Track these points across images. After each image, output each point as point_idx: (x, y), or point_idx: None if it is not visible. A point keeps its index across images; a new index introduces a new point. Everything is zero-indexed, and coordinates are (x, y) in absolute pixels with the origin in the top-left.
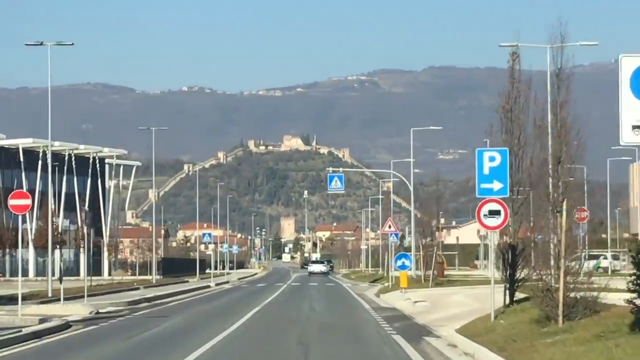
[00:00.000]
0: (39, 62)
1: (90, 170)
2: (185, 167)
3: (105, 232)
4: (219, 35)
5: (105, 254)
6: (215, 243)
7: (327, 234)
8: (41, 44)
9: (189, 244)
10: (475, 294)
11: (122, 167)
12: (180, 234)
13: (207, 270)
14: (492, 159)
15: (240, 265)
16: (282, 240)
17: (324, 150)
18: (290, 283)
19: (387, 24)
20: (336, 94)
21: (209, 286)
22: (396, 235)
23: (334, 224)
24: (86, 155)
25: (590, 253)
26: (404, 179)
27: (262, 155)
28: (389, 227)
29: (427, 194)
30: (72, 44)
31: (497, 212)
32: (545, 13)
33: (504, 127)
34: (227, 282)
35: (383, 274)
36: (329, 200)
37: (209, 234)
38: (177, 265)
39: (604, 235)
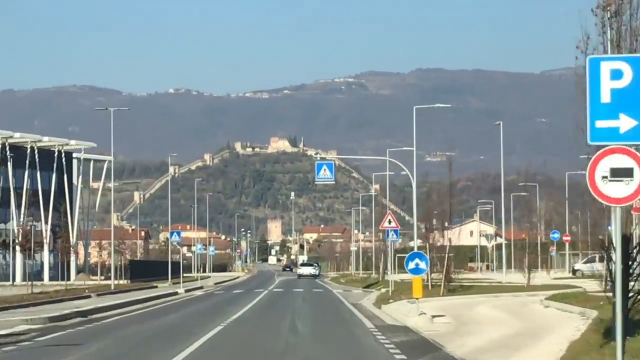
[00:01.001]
0: (24, 65)
1: (55, 165)
2: (171, 169)
3: (72, 233)
4: (206, 38)
5: (73, 257)
6: (191, 245)
7: (315, 235)
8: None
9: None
10: (504, 305)
11: (92, 162)
12: (162, 236)
13: (186, 274)
14: (616, 74)
15: (223, 268)
16: (269, 242)
17: (311, 152)
18: (272, 289)
19: (375, 27)
20: (323, 96)
21: (176, 293)
22: (396, 232)
23: (322, 226)
24: (51, 149)
25: None
26: (404, 167)
27: (249, 157)
28: (389, 222)
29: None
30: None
31: (628, 172)
32: (535, 12)
33: (606, 38)
34: (200, 288)
35: (377, 278)
36: (316, 203)
37: (178, 233)
38: (149, 269)
39: None
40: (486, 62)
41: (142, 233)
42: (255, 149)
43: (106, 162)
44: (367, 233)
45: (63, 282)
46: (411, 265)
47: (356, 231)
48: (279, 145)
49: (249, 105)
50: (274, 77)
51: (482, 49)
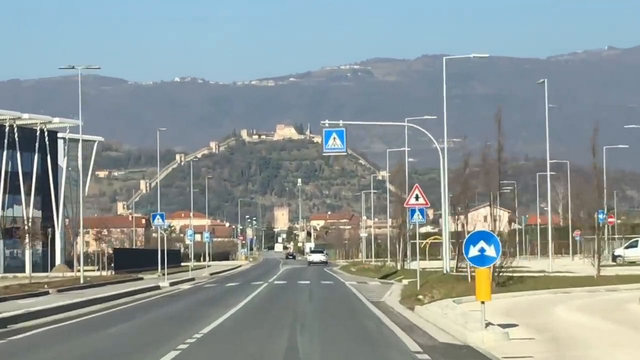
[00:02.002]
0: (30, 54)
1: (37, 144)
2: (177, 157)
3: (58, 221)
4: (211, 26)
5: (58, 246)
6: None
7: (322, 223)
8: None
9: (173, 234)
10: (589, 306)
11: (80, 142)
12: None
13: (184, 263)
14: None
15: (226, 256)
16: (275, 230)
17: (317, 139)
18: (274, 281)
19: (380, 13)
20: (329, 84)
21: (158, 287)
22: (422, 211)
23: (329, 213)
24: (33, 127)
25: None
26: (427, 133)
27: (255, 145)
28: (416, 197)
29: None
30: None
31: None
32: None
33: None
34: (190, 280)
35: (393, 267)
36: (323, 190)
37: (162, 216)
38: (138, 258)
39: None
40: (492, 48)
41: (143, 221)
42: (262, 136)
43: (95, 143)
44: (377, 219)
45: (45, 274)
46: (473, 251)
47: (365, 217)
48: (285, 132)
49: (255, 94)
50: (279, 65)
51: (488, 35)
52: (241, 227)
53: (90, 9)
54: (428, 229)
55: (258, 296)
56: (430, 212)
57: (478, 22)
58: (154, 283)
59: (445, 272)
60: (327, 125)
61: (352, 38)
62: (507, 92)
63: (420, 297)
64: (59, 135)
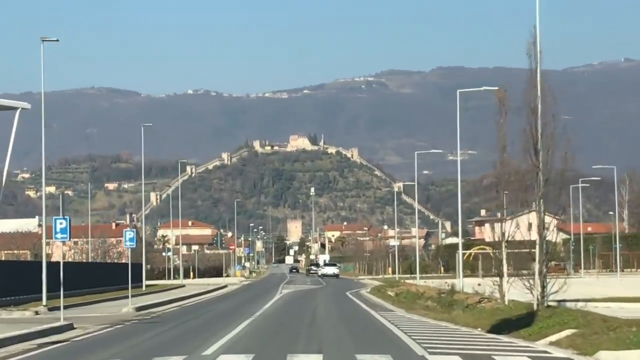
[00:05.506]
0: (43, 67)
1: None
2: (188, 168)
3: None
4: (224, 38)
5: None
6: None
7: (337, 234)
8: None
9: (166, 245)
10: None
11: None
12: (159, 233)
13: (152, 282)
14: None
15: (220, 272)
16: (287, 242)
17: (331, 150)
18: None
19: (395, 25)
20: (343, 95)
21: None
22: None
23: (345, 224)
24: None
25: None
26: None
27: (267, 156)
28: None
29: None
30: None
31: None
32: (556, 11)
33: None
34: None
35: (483, 294)
36: (337, 202)
37: (132, 237)
38: (86, 276)
39: None
40: (507, 60)
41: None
42: (275, 147)
43: (18, 111)
44: (398, 229)
45: None
46: None
47: (385, 227)
48: (299, 143)
49: (268, 106)
50: (293, 77)
51: (502, 46)
52: (232, 233)
53: (103, 21)
54: (453, 239)
55: None
56: (448, 225)
57: (492, 34)
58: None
59: (510, 301)
60: None
61: (366, 50)
62: (523, 103)
63: None
64: None
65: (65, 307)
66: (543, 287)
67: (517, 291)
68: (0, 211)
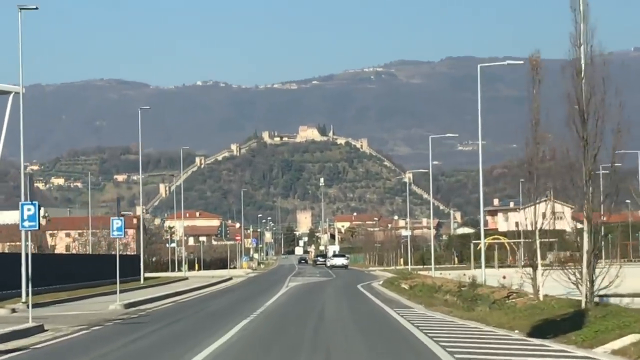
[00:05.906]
0: (52, 59)
1: None
2: (197, 160)
3: None
4: (233, 29)
5: None
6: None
7: (347, 224)
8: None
9: (172, 236)
10: None
11: None
12: (166, 225)
13: (155, 274)
14: None
15: (225, 264)
16: (296, 233)
17: (341, 140)
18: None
19: (404, 15)
20: (353, 86)
21: None
22: None
23: (354, 214)
24: None
25: None
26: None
27: (277, 147)
28: None
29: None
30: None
31: None
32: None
33: None
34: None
35: (513, 285)
36: (347, 193)
37: (120, 226)
38: (73, 268)
39: None
40: (516, 50)
41: (135, 221)
42: (284, 138)
43: (11, 95)
44: (409, 219)
45: None
46: None
47: (395, 217)
48: (308, 134)
49: (277, 97)
50: (302, 68)
51: (512, 36)
52: (239, 222)
53: (112, 14)
54: (464, 229)
55: None
56: (458, 216)
57: (502, 24)
58: None
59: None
60: None
61: (375, 41)
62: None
63: None
64: None
65: (47, 304)
66: (592, 281)
67: (548, 284)
68: (9, 203)
